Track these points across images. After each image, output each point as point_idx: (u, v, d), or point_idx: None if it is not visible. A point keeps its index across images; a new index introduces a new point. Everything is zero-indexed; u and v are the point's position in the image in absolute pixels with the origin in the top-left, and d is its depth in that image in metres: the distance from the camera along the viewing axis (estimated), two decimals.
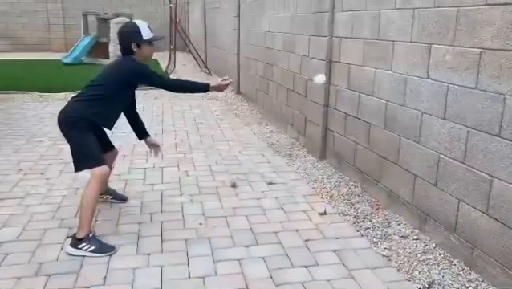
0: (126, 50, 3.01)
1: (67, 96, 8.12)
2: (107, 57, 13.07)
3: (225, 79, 3.30)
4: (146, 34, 3.00)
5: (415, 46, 3.05)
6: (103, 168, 2.86)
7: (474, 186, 2.59)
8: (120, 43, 3.03)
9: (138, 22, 3.05)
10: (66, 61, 12.71)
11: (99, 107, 2.92)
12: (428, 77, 2.93)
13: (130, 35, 2.99)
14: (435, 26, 2.84)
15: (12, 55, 14.62)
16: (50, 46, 17.40)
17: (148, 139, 3.50)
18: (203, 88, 3.23)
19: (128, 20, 12.59)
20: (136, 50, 2.99)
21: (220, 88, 3.33)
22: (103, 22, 13.35)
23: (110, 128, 3.12)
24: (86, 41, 13.39)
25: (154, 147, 3.54)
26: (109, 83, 2.95)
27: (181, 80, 3.43)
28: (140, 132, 3.48)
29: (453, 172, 2.76)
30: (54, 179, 4.04)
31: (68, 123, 2.90)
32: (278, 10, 5.85)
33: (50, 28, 17.44)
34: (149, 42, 3.03)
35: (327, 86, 4.44)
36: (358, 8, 3.77)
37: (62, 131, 2.96)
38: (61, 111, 2.96)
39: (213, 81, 3.33)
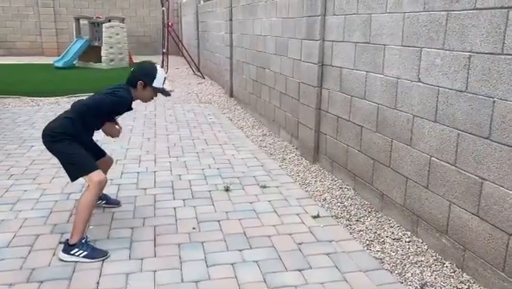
0: (131, 81, 3.02)
1: (59, 101, 8.12)
2: (100, 61, 13.06)
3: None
4: (158, 83, 3.02)
5: (406, 50, 3.08)
6: (101, 175, 2.85)
7: (465, 188, 2.61)
8: (132, 74, 3.05)
9: (160, 69, 3.06)
10: (58, 65, 12.67)
11: (82, 127, 2.92)
12: (419, 80, 2.95)
13: (145, 74, 3.01)
14: (425, 30, 2.87)
15: (3, 60, 14.54)
16: (42, 50, 17.33)
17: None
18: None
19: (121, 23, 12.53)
20: (139, 88, 3.01)
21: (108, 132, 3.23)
22: (96, 25, 13.32)
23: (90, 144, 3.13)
24: (78, 45, 13.35)
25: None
26: (98, 107, 2.94)
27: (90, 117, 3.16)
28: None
29: (444, 174, 2.78)
30: (46, 184, 4.01)
31: (51, 137, 2.86)
32: (271, 14, 5.87)
33: (42, 32, 17.38)
34: (154, 89, 3.05)
35: (320, 89, 4.46)
36: (349, 12, 3.80)
37: (47, 147, 2.92)
38: (44, 129, 2.93)
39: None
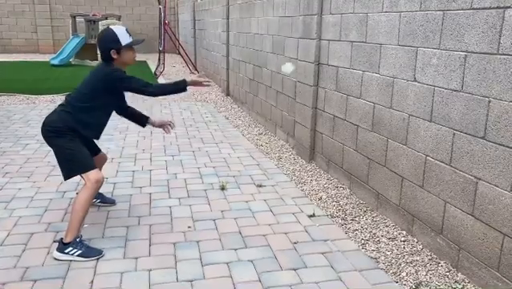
0: (106, 57, 2.96)
1: (55, 98, 8.08)
2: (96, 58, 13.00)
3: (201, 76, 3.27)
4: (124, 39, 2.94)
5: (402, 50, 3.07)
6: (98, 174, 2.83)
7: (460, 188, 2.62)
8: (100, 50, 2.99)
9: (115, 27, 2.98)
10: (54, 62, 12.61)
11: (83, 117, 2.87)
12: (415, 80, 2.95)
13: (108, 42, 2.93)
14: (421, 30, 2.87)
15: None
16: (37, 48, 17.25)
17: (150, 121, 3.44)
18: (181, 86, 3.15)
19: (107, 26, 12.52)
20: (115, 56, 2.93)
21: (196, 84, 3.25)
22: (92, 23, 13.27)
23: (97, 138, 3.09)
24: (74, 42, 13.29)
25: (163, 125, 3.47)
26: (89, 92, 2.91)
27: (160, 84, 3.39)
28: (139, 120, 3.45)
29: (439, 174, 2.78)
30: (40, 182, 4.00)
31: (53, 132, 2.84)
32: (267, 13, 5.86)
33: (38, 29, 17.29)
34: (129, 47, 2.98)
35: (316, 88, 4.46)
36: (346, 11, 3.79)
37: (47, 141, 2.91)
38: (44, 122, 2.91)
39: (189, 78, 3.31)
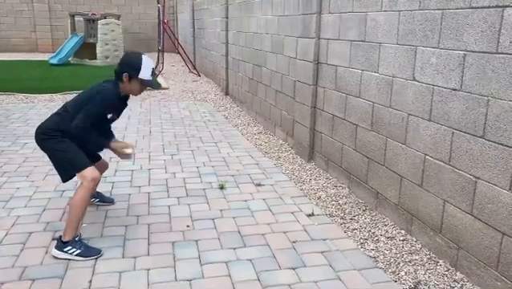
0: (118, 75, 2.87)
1: (54, 98, 8.07)
2: (95, 58, 13.00)
3: (126, 149, 3.06)
4: (144, 74, 2.83)
5: (401, 49, 3.07)
6: (94, 171, 2.81)
7: (459, 187, 2.62)
8: (118, 65, 2.90)
9: (145, 58, 2.87)
10: (53, 62, 12.59)
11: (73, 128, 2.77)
12: (414, 79, 2.95)
13: (129, 66, 2.84)
14: (420, 29, 2.86)
15: None
16: (36, 47, 17.22)
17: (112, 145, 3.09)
18: (102, 144, 3.00)
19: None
20: (125, 80, 2.85)
21: (118, 153, 3.08)
22: (91, 22, 13.25)
23: (83, 147, 2.90)
24: (73, 41, 13.27)
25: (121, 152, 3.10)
26: (84, 104, 2.81)
27: (93, 138, 2.89)
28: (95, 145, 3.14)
29: (438, 173, 2.78)
30: (39, 181, 3.99)
31: (44, 134, 2.82)
32: (266, 12, 5.85)
33: (37, 28, 17.26)
34: (142, 82, 2.88)
35: (315, 87, 4.45)
36: (345, 10, 3.79)
37: (40, 145, 2.87)
38: (37, 128, 2.87)
39: (116, 144, 3.06)
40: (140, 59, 2.85)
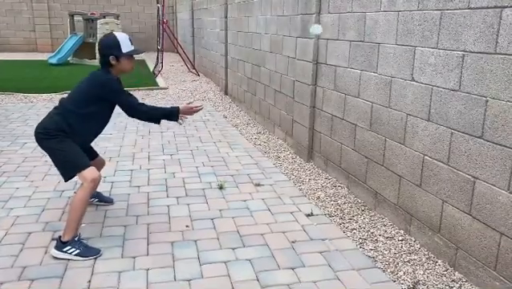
0: (104, 62, 2.92)
1: (53, 97, 8.07)
2: (94, 57, 12.97)
3: (191, 103, 3.16)
4: (126, 47, 2.89)
5: (400, 49, 3.07)
6: (94, 172, 2.81)
7: (458, 187, 2.62)
8: (99, 54, 2.95)
9: (118, 34, 2.95)
10: (52, 61, 12.58)
11: (74, 122, 2.83)
12: (413, 79, 2.96)
13: (109, 48, 2.89)
14: (419, 29, 2.87)
15: None
16: (35, 47, 17.22)
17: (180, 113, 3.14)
18: (174, 113, 3.06)
19: (110, 31, 12.48)
20: (113, 63, 2.89)
21: (189, 112, 3.15)
22: (90, 22, 13.24)
23: (84, 146, 2.99)
24: (72, 41, 13.26)
25: (188, 111, 3.16)
26: (83, 98, 2.88)
27: (153, 106, 3.15)
28: (165, 115, 3.14)
29: (437, 173, 2.79)
30: (38, 181, 3.99)
31: (43, 134, 2.83)
32: (266, 12, 5.86)
33: (36, 28, 17.25)
34: (129, 55, 2.94)
35: (314, 87, 4.45)
36: (344, 10, 3.79)
37: (39, 144, 2.88)
38: (36, 127, 2.89)
39: (182, 104, 3.14)
40: (115, 36, 2.92)
